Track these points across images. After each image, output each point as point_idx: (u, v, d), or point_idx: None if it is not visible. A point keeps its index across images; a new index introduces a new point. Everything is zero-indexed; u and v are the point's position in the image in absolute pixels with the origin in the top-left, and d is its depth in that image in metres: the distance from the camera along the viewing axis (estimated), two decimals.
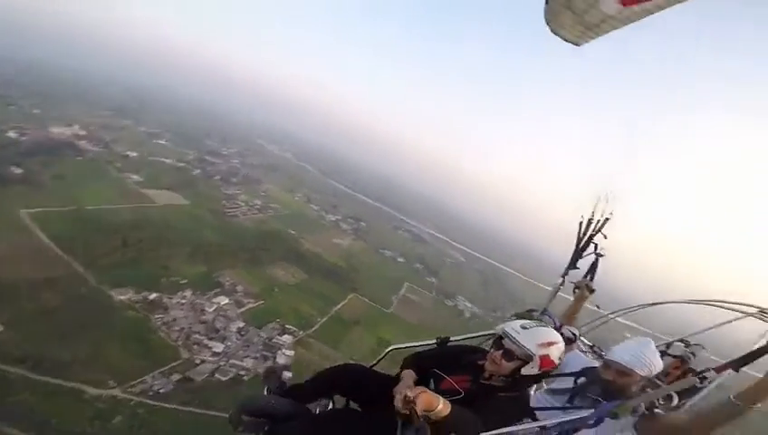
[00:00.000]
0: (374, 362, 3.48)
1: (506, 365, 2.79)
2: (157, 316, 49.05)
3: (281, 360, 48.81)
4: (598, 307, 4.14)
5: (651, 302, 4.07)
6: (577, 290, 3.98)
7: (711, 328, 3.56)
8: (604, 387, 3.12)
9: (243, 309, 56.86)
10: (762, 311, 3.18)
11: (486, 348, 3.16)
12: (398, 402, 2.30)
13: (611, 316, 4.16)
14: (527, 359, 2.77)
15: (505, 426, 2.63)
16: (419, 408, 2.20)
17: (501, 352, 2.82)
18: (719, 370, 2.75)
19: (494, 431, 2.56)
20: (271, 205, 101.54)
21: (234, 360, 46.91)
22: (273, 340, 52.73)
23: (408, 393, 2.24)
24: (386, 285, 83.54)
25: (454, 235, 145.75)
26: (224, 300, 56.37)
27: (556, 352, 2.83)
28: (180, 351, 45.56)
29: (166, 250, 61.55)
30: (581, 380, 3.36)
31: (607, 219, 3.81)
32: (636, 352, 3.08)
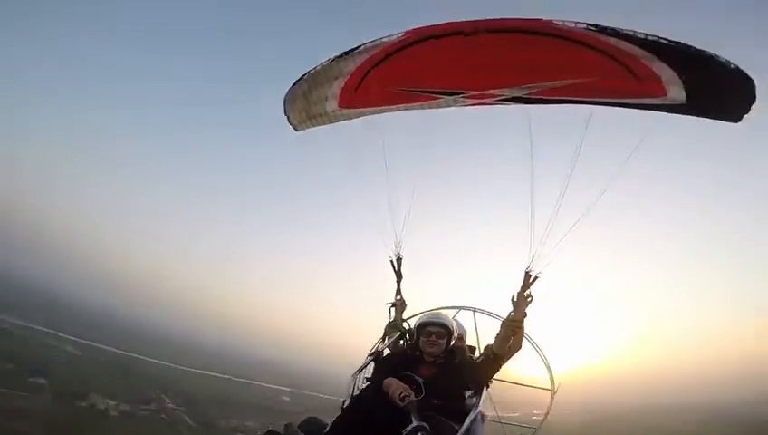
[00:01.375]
0: (348, 395, 3.51)
1: (442, 343, 3.70)
2: None
3: None
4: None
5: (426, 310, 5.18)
6: (396, 306, 5.04)
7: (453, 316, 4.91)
8: (458, 350, 4.25)
9: None
10: (475, 308, 5.12)
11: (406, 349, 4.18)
12: (396, 399, 2.91)
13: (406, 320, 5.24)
14: (451, 333, 3.78)
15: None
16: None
17: (433, 336, 3.71)
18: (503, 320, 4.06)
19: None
20: None
21: None
22: None
23: (404, 392, 2.92)
24: None
25: (61, 326, 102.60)
26: None
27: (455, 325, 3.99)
28: None
29: None
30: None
31: (400, 258, 4.93)
32: (457, 325, 4.45)
